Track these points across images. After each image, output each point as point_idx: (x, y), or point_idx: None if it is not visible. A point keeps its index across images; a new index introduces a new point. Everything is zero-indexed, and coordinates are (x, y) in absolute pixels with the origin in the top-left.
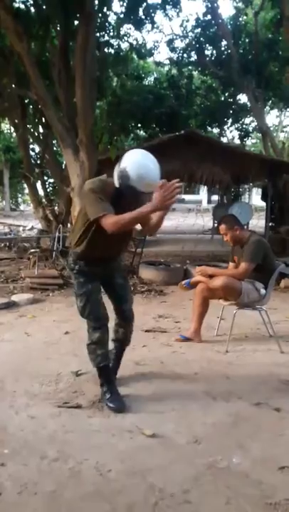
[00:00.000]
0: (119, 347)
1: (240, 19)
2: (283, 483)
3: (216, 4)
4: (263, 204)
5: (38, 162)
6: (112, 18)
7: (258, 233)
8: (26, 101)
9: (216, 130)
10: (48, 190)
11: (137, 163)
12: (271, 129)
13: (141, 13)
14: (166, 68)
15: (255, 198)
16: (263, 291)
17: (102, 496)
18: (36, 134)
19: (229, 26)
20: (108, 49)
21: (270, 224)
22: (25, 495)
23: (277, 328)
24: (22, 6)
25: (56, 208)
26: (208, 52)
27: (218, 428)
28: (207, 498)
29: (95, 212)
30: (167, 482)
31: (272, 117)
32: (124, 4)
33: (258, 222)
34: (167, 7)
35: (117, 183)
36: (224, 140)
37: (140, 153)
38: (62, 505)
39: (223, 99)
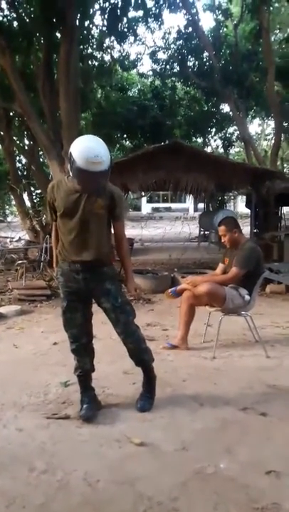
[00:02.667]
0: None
1: (221, 31)
2: (270, 487)
3: (196, 17)
4: (248, 211)
5: (25, 173)
6: (95, 31)
7: (253, 240)
8: (12, 113)
9: (200, 140)
10: (35, 201)
11: (77, 145)
12: (254, 137)
13: (123, 26)
14: (150, 79)
15: (240, 205)
16: (247, 297)
17: (91, 507)
18: (22, 146)
19: (210, 38)
20: (92, 61)
21: (255, 230)
22: (13, 509)
23: (263, 333)
24: (4, 20)
25: (43, 218)
26: (190, 64)
27: (205, 434)
28: (195, 505)
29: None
30: (156, 490)
31: (254, 126)
32: (106, 17)
33: (242, 229)
34: (149, 20)
35: (70, 172)
36: (208, 149)
37: (81, 137)
38: None
39: (206, 109)
